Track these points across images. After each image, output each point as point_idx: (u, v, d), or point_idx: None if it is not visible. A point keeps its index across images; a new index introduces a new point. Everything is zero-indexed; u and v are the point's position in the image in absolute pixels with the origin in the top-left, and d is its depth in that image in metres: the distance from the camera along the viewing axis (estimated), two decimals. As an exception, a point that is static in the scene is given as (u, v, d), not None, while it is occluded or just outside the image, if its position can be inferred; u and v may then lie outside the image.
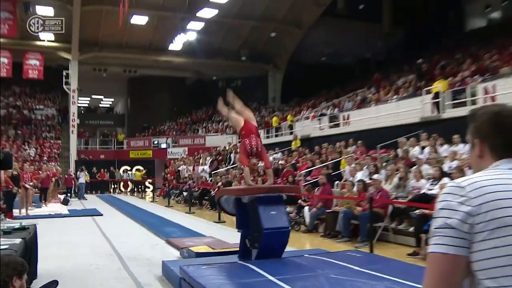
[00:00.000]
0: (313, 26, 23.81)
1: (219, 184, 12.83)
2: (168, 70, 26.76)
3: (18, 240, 3.85)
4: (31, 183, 12.10)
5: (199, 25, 22.52)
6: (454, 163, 7.30)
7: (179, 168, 19.28)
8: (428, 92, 11.97)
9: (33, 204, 12.63)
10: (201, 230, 8.35)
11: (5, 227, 4.46)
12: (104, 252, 6.35)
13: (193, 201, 13.82)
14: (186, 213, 12.17)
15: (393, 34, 24.82)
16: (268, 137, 19.79)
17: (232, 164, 16.20)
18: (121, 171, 23.91)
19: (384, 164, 9.01)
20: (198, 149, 21.82)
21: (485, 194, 0.97)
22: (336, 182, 9.57)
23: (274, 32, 24.60)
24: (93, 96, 31.94)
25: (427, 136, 9.67)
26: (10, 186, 9.87)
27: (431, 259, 0.99)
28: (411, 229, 6.54)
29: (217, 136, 23.96)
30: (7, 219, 8.24)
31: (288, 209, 7.97)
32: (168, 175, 20.12)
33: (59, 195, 16.74)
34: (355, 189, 7.84)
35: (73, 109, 23.57)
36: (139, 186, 21.75)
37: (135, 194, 21.31)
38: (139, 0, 20.04)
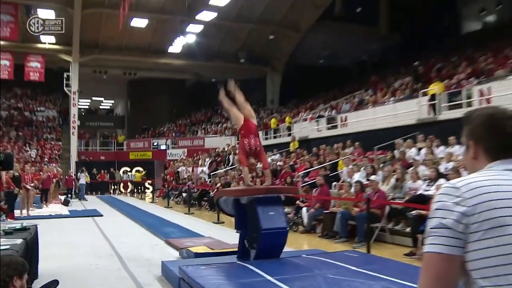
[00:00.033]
0: (311, 29, 23.90)
1: (218, 185, 12.84)
2: (167, 72, 26.85)
3: (19, 241, 3.86)
4: (32, 184, 12.17)
5: (198, 28, 22.59)
6: (450, 164, 7.34)
7: (179, 169, 19.32)
8: (425, 94, 12.04)
9: (34, 204, 12.69)
10: (200, 230, 8.38)
11: (7, 228, 4.49)
12: (104, 252, 6.37)
13: (192, 202, 13.86)
14: (185, 213, 12.18)
15: (390, 37, 24.94)
16: (266, 138, 19.84)
17: (231, 165, 16.25)
18: (121, 172, 23.98)
19: (381, 165, 9.05)
20: (197, 150, 21.86)
21: (480, 194, 0.98)
22: (334, 183, 9.59)
23: (272, 35, 24.66)
24: (93, 98, 31.99)
25: (423, 138, 9.73)
26: (12, 187, 9.94)
27: (427, 258, 0.99)
28: (408, 229, 6.55)
29: (216, 138, 24.02)
30: (9, 219, 8.30)
31: (286, 209, 8.01)
32: (168, 176, 20.16)
33: (59, 196, 16.79)
34: (352, 190, 7.86)
35: (73, 111, 23.65)
36: (139, 187, 21.81)
37: (135, 195, 21.33)
38: (139, 3, 20.11)
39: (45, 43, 22.37)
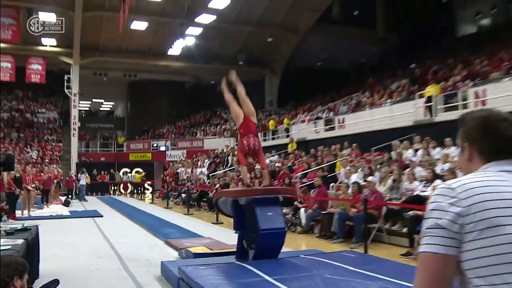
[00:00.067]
0: (309, 32, 24.02)
1: (217, 186, 12.86)
2: (167, 75, 26.96)
3: (20, 241, 3.88)
4: (33, 185, 12.23)
5: (198, 31, 22.70)
6: (446, 165, 7.39)
7: (178, 170, 19.36)
8: (421, 96, 12.11)
9: (35, 205, 12.74)
10: (199, 231, 8.41)
11: (8, 228, 4.52)
12: (104, 252, 6.40)
13: (191, 202, 13.90)
14: (185, 214, 12.21)
15: (387, 40, 25.06)
16: (265, 140, 19.89)
17: (230, 167, 16.30)
18: (121, 173, 24.08)
19: (378, 166, 9.11)
20: (197, 151, 21.92)
21: (475, 195, 0.98)
22: (332, 184, 9.63)
23: (271, 38, 24.77)
24: (93, 100, 32.07)
25: (420, 139, 9.76)
26: (13, 188, 10.00)
27: (422, 258, 1.00)
28: (405, 230, 6.61)
29: (215, 139, 24.08)
30: (10, 220, 8.33)
31: (285, 210, 8.02)
32: (167, 177, 20.19)
33: (60, 197, 16.83)
34: (350, 191, 7.91)
35: (74, 113, 23.75)
36: (139, 188, 21.86)
37: (135, 196, 21.37)
38: (139, 6, 20.20)
39: (46, 45, 22.55)
